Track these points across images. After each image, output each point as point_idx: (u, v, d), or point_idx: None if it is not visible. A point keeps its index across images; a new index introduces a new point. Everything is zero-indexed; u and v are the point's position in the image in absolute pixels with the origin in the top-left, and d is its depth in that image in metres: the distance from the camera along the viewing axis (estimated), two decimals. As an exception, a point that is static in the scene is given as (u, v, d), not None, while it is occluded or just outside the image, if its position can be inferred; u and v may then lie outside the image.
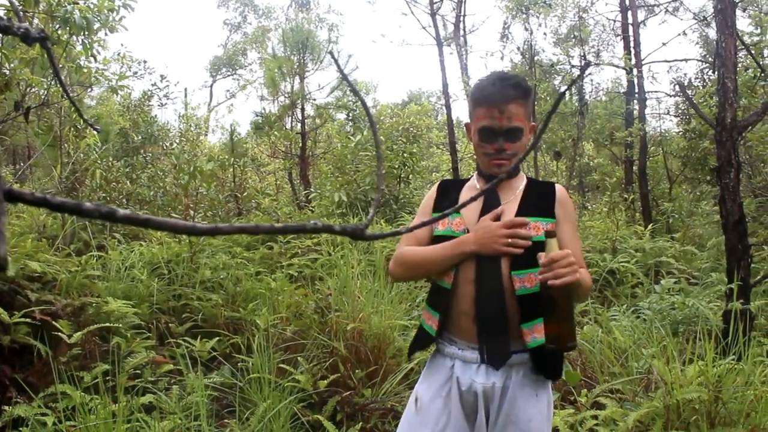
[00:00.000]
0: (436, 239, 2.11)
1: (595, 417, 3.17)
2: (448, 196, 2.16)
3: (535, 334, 1.96)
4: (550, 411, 2.06)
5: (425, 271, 2.18)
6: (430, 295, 2.19)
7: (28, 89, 5.35)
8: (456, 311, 2.04)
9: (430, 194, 2.24)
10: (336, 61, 0.77)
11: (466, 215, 2.07)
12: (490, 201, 2.06)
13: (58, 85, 5.32)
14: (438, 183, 2.25)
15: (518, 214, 2.01)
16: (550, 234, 1.84)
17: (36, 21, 4.80)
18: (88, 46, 5.00)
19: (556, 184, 2.13)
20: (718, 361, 3.18)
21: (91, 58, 5.30)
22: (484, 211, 2.04)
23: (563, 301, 1.80)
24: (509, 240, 1.93)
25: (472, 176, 2.23)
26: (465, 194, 2.13)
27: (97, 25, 4.83)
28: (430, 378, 2.10)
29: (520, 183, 2.12)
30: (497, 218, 1.99)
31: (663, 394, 3.11)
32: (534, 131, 2.06)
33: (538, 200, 2.06)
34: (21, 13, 4.20)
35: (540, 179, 2.30)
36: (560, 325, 1.81)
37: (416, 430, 2.06)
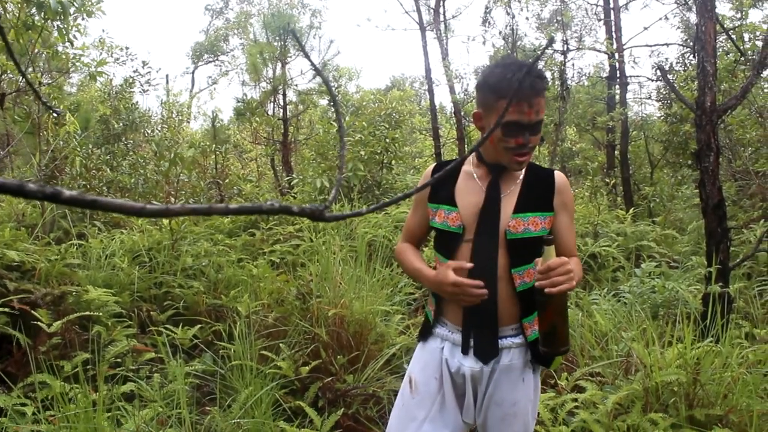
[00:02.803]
0: (436, 231, 2.12)
1: (576, 400, 3.20)
2: (443, 183, 2.10)
3: (536, 326, 1.98)
4: (536, 395, 2.10)
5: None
6: None
7: (3, 75, 5.28)
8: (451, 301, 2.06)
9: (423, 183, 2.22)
10: (303, 49, 0.75)
11: (462, 209, 2.03)
12: (492, 193, 2.01)
13: (30, 71, 5.25)
14: (431, 169, 2.20)
15: (516, 209, 1.98)
16: (547, 242, 1.82)
17: (9, 6, 4.72)
18: (65, 32, 4.93)
19: (556, 172, 2.09)
20: (697, 344, 3.21)
21: (68, 44, 5.22)
22: (485, 205, 2.00)
23: (558, 307, 1.82)
24: (460, 297, 1.93)
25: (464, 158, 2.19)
26: (462, 181, 2.07)
27: (73, 10, 4.76)
28: (423, 359, 2.12)
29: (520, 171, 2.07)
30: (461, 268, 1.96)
31: (642, 376, 3.13)
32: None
33: (537, 192, 2.03)
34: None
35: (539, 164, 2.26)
36: (554, 329, 1.84)
37: (413, 413, 2.07)
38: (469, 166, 2.11)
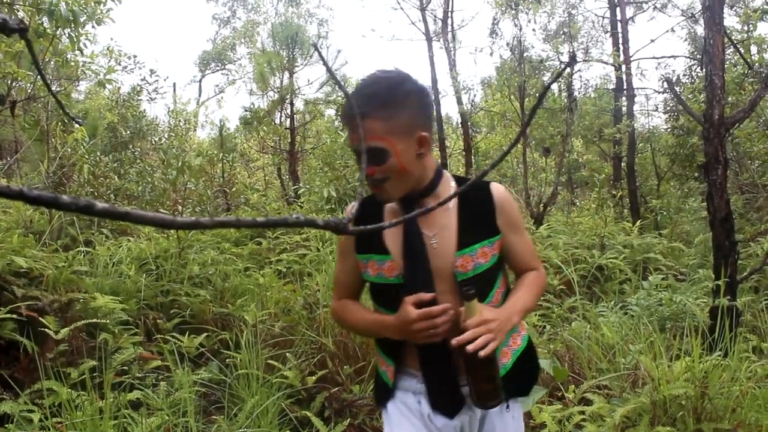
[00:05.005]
0: (372, 285, 1.85)
1: (583, 413, 3.19)
2: (368, 220, 1.81)
3: (504, 360, 1.79)
4: (522, 423, 1.92)
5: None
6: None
7: (13, 83, 5.31)
8: (410, 346, 1.79)
9: None
10: (321, 56, 0.76)
11: (396, 255, 1.74)
12: (410, 231, 1.74)
13: (39, 78, 5.28)
14: (352, 207, 1.86)
15: (460, 245, 1.72)
16: (468, 296, 1.60)
17: (21, 13, 4.76)
18: (75, 40, 4.96)
19: (492, 185, 1.83)
20: (705, 357, 3.20)
21: (78, 52, 5.26)
22: (406, 245, 1.73)
23: (481, 367, 1.62)
24: (430, 332, 1.64)
25: None
26: (387, 219, 1.80)
27: (83, 18, 4.80)
28: (406, 424, 1.82)
29: (449, 194, 1.75)
30: (421, 303, 1.66)
31: (650, 389, 3.12)
32: (427, 142, 1.69)
33: (476, 217, 1.76)
34: (2, 4, 4.17)
35: (465, 176, 2.00)
36: (481, 385, 1.65)
37: None
38: (392, 202, 1.79)
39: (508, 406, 1.81)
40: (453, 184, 1.82)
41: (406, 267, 1.72)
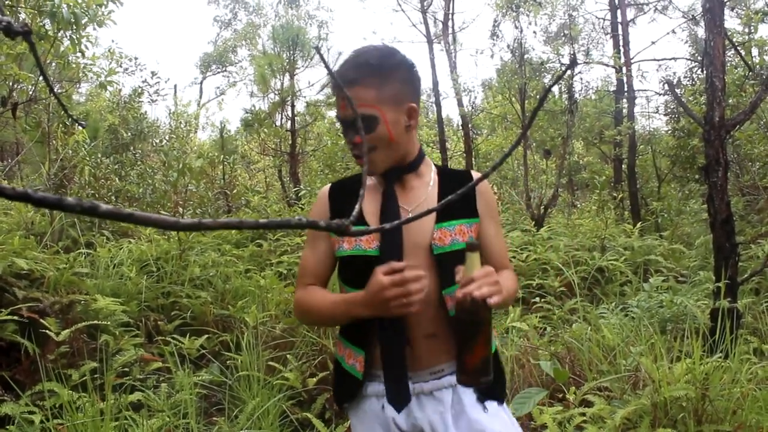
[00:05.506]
0: (344, 262, 1.75)
1: (584, 414, 3.19)
2: (347, 203, 1.77)
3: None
4: (515, 422, 1.79)
5: (325, 325, 1.89)
6: (345, 325, 1.81)
7: (15, 85, 5.32)
8: (376, 337, 1.70)
9: (319, 208, 1.83)
10: (322, 58, 0.76)
11: (372, 224, 1.68)
12: (389, 205, 1.71)
13: (42, 80, 5.29)
14: (326, 190, 1.85)
15: (439, 218, 1.69)
16: (471, 247, 1.50)
17: (22, 15, 4.76)
18: (76, 42, 4.97)
19: (472, 172, 1.86)
20: (706, 359, 3.20)
21: (79, 54, 5.26)
22: (382, 217, 1.69)
23: (480, 329, 1.49)
24: (404, 300, 1.51)
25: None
26: (368, 198, 1.75)
27: (85, 20, 4.80)
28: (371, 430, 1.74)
29: (430, 176, 1.78)
30: (393, 271, 1.55)
31: (651, 391, 3.12)
32: (416, 114, 1.68)
33: (458, 198, 1.65)
34: (5, 6, 4.17)
35: (451, 167, 1.99)
36: (475, 356, 1.50)
37: None
38: (371, 178, 1.78)
39: (485, 408, 1.70)
40: (433, 167, 1.82)
41: (382, 239, 1.67)
